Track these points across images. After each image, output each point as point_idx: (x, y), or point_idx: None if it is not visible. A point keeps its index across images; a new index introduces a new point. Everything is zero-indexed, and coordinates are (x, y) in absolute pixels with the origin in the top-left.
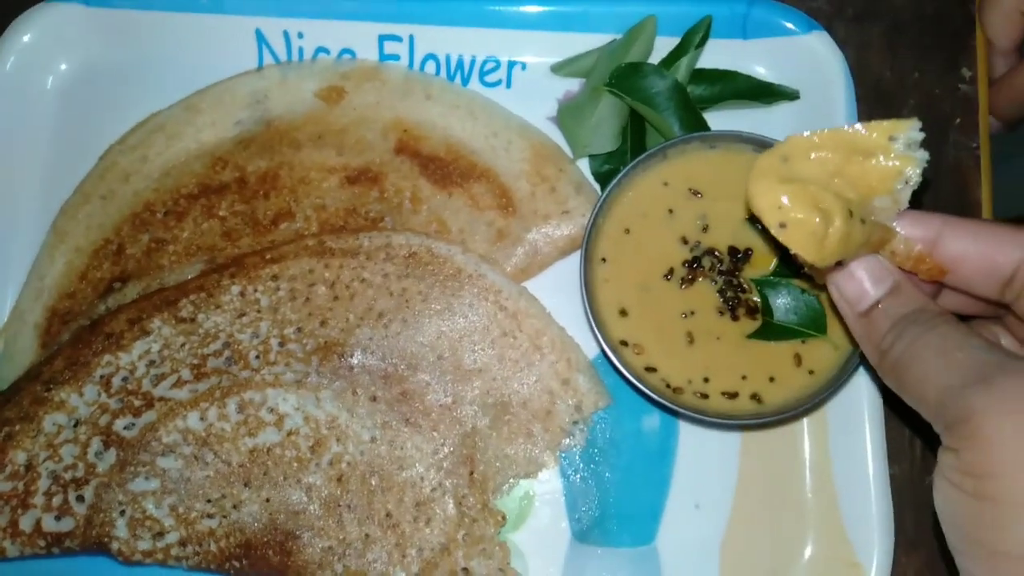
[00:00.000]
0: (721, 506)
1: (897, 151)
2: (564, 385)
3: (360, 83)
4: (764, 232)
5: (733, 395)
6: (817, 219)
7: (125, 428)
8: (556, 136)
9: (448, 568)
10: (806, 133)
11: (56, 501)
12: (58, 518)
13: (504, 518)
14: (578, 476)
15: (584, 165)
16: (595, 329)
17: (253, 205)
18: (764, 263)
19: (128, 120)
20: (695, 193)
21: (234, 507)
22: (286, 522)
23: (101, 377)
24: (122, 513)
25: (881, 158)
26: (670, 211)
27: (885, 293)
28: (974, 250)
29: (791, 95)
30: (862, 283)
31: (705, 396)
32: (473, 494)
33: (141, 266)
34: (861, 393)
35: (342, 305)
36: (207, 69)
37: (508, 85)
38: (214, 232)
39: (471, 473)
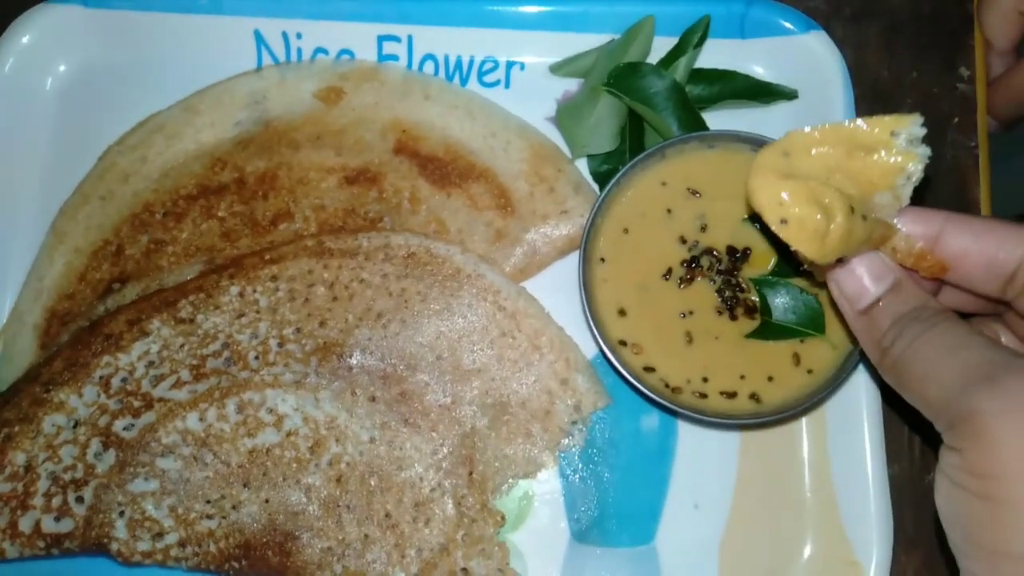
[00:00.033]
0: (720, 506)
1: (899, 147)
2: (563, 385)
3: (359, 83)
4: (763, 231)
5: (732, 395)
6: (818, 215)
7: (124, 429)
8: (555, 136)
9: (447, 568)
10: (807, 128)
11: (55, 502)
12: (57, 519)
13: (503, 518)
14: (577, 476)
15: (583, 165)
16: (594, 329)
17: (252, 206)
18: (762, 263)
19: (127, 121)
20: (693, 193)
21: (233, 508)
22: (285, 523)
23: (100, 378)
24: (121, 514)
25: (883, 154)
26: (668, 211)
27: (886, 290)
28: (975, 247)
29: (789, 95)
30: (862, 280)
31: (704, 396)
32: (472, 494)
33: (140, 267)
34: (860, 392)
35: (341, 305)
36: (206, 70)
37: (507, 85)
38: (213, 233)
39: (470, 473)
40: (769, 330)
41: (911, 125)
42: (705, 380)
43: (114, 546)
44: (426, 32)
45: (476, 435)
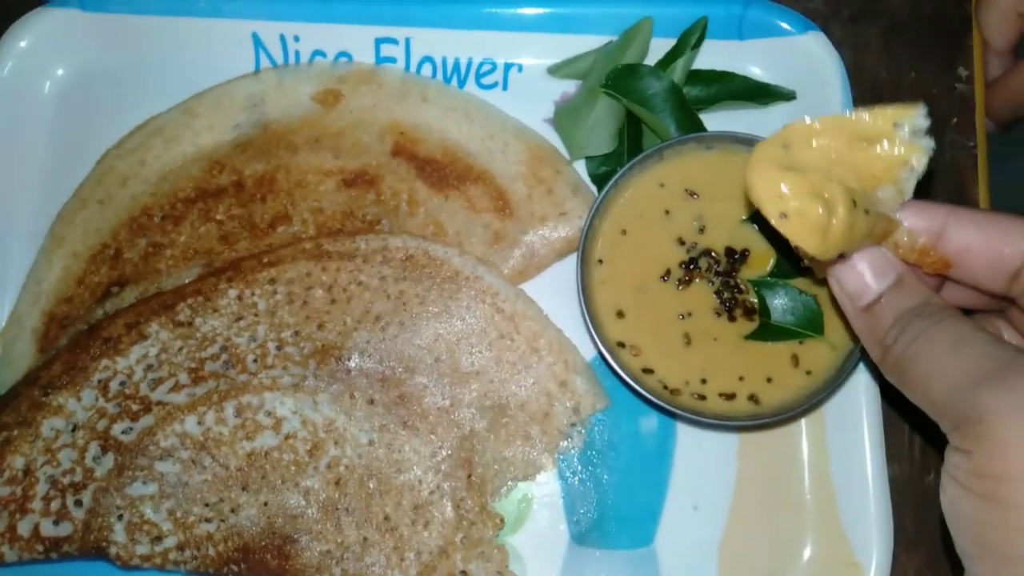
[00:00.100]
0: (719, 507)
1: (902, 138)
2: (562, 387)
3: (356, 86)
4: (762, 232)
5: (731, 396)
6: (819, 209)
7: (123, 432)
8: (553, 138)
9: (446, 571)
10: (807, 119)
11: (54, 506)
12: (56, 523)
13: (502, 521)
14: (576, 478)
15: (581, 167)
16: (592, 331)
17: (250, 209)
18: (761, 264)
19: (126, 124)
20: (692, 194)
21: (232, 511)
22: (284, 526)
23: (99, 382)
24: (120, 518)
25: (885, 145)
26: (667, 212)
27: (888, 287)
28: (980, 242)
29: (787, 96)
30: (864, 276)
31: (703, 397)
32: (471, 497)
33: (139, 270)
34: (859, 392)
35: (339, 308)
36: (204, 73)
37: (505, 87)
38: (211, 236)
39: (469, 476)
40: (768, 331)
41: (914, 116)
42: (704, 382)
43: (113, 550)
44: (424, 34)
45: (475, 437)
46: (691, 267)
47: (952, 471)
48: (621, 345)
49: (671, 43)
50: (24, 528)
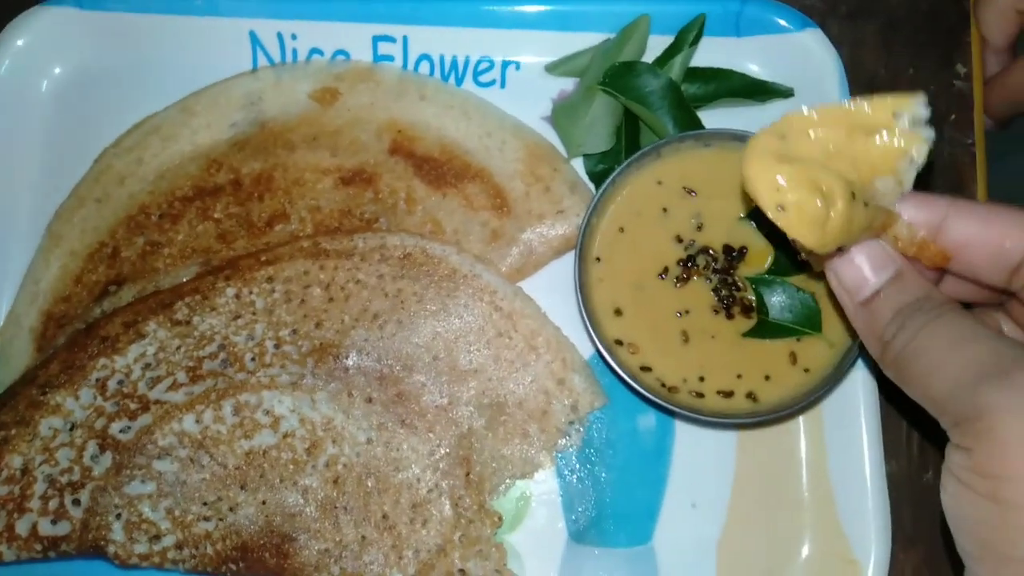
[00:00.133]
0: (718, 505)
1: (902, 129)
2: (560, 385)
3: (354, 84)
4: (759, 229)
5: (728, 394)
6: (817, 201)
7: (121, 431)
8: (550, 136)
9: (445, 569)
10: (805, 110)
11: (52, 505)
12: (54, 522)
13: (500, 519)
14: (574, 476)
15: (579, 165)
16: (590, 329)
17: (248, 207)
18: (759, 261)
19: (123, 123)
20: (689, 192)
21: (230, 510)
22: (282, 524)
23: (96, 380)
24: (118, 516)
25: (884, 136)
26: (664, 210)
27: (887, 281)
28: (981, 235)
29: (785, 93)
30: (862, 270)
31: (700, 395)
32: (469, 495)
33: (136, 269)
34: (857, 389)
35: (337, 307)
36: (201, 71)
37: (502, 85)
38: (209, 234)
39: (467, 474)
40: (766, 329)
41: (914, 105)
42: (702, 379)
43: (111, 548)
44: (421, 32)
45: (473, 436)
46: (689, 265)
47: (952, 469)
48: (619, 343)
49: (669, 40)
50: (22, 527)
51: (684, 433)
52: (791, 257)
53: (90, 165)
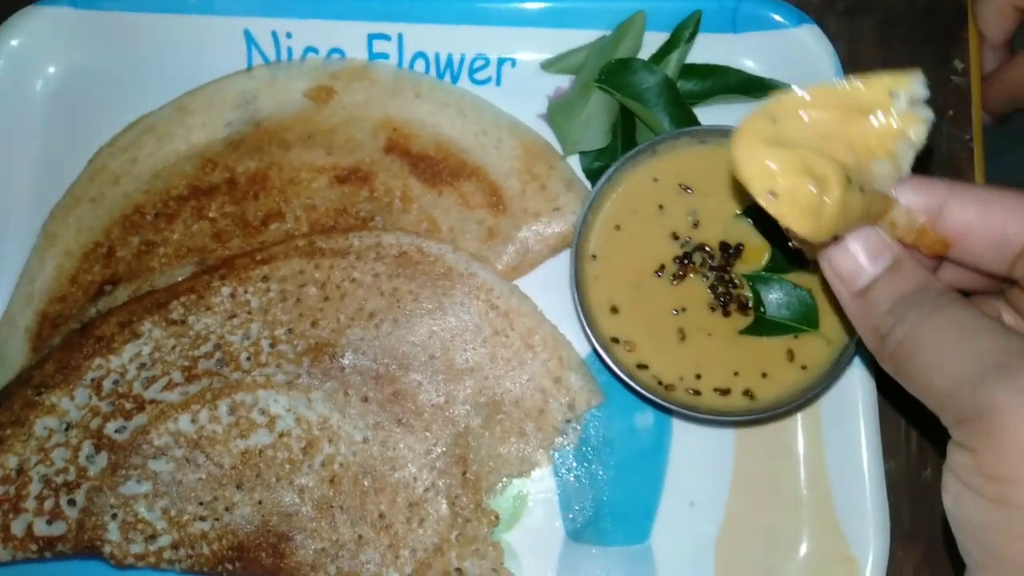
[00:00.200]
0: (715, 503)
1: (899, 108)
2: (556, 383)
3: (349, 82)
4: (756, 226)
5: (725, 391)
6: (811, 187)
7: (116, 431)
8: (546, 133)
9: (441, 568)
10: (797, 90)
11: (48, 505)
12: (50, 522)
13: (497, 518)
14: (571, 475)
15: (575, 162)
16: (586, 326)
17: (243, 206)
18: (756, 258)
19: (118, 122)
20: (685, 189)
21: (226, 509)
22: (279, 524)
23: (92, 380)
24: (114, 516)
25: (881, 117)
26: (660, 207)
27: (884, 269)
28: (982, 221)
29: (782, 89)
30: (857, 258)
31: (697, 393)
32: (466, 494)
33: (131, 269)
34: (855, 386)
35: (333, 305)
36: (196, 70)
37: (498, 83)
38: (204, 234)
39: (464, 473)
40: (762, 326)
41: (912, 84)
42: (698, 377)
43: (107, 548)
44: (417, 30)
45: (470, 434)
46: (685, 262)
47: (955, 469)
48: (615, 341)
49: (665, 37)
50: (18, 527)
51: (681, 431)
52: (787, 253)
53: (85, 164)
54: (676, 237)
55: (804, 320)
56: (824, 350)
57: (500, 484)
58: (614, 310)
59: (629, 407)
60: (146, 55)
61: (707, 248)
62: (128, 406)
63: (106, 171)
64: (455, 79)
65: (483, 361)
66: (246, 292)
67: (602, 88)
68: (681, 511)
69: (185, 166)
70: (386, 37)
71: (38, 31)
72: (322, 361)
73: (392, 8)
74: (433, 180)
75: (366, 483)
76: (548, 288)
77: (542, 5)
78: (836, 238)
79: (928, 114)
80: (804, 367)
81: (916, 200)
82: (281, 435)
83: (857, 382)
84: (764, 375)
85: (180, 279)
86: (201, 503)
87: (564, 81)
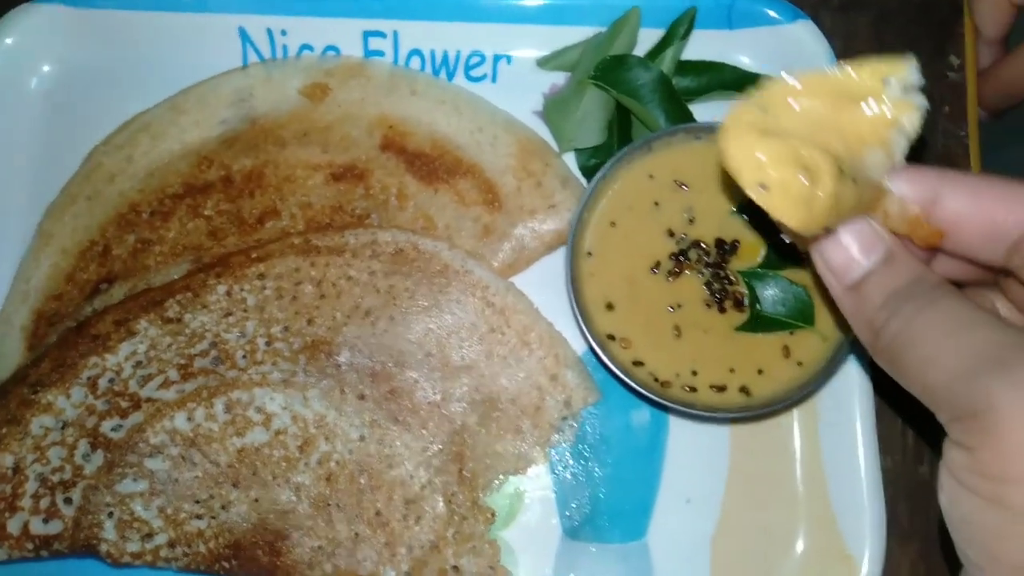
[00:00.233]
0: (712, 500)
1: (891, 96)
2: (553, 381)
3: (345, 80)
4: (751, 221)
5: (721, 388)
6: (802, 179)
7: (112, 430)
8: (542, 130)
9: (438, 566)
10: (787, 78)
11: (44, 504)
12: (46, 521)
13: (494, 515)
14: (568, 472)
15: (571, 159)
16: (582, 324)
17: (239, 204)
18: (751, 255)
19: (113, 120)
20: (681, 185)
21: (223, 507)
22: (275, 522)
23: (88, 379)
24: (110, 515)
25: (873, 104)
26: (656, 204)
27: (877, 262)
28: (977, 210)
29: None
30: (850, 251)
31: (693, 389)
32: (463, 491)
33: (127, 267)
34: (851, 383)
35: (328, 303)
36: (191, 68)
37: (493, 80)
38: (200, 232)
39: (460, 470)
40: (758, 322)
41: (904, 70)
42: (694, 374)
43: (103, 547)
44: (412, 27)
45: (466, 432)
46: (681, 259)
47: (951, 468)
48: (611, 338)
49: (660, 33)
50: (14, 526)
51: (678, 428)
52: (783, 249)
53: (80, 163)
54: (672, 234)
55: (800, 316)
56: (820, 346)
57: (496, 481)
58: (610, 307)
59: (625, 404)
60: (141, 53)
61: (703, 245)
62: (124, 404)
63: (101, 169)
64: (451, 76)
65: (479, 358)
66: (242, 290)
67: (598, 85)
68: (677, 508)
69: (180, 164)
70: (381, 34)
71: (33, 29)
72: (318, 359)
73: (387, 5)
74: (429, 177)
75: (362, 481)
76: (544, 285)
77: (538, 2)
78: (828, 230)
79: (922, 101)
80: (800, 363)
81: (909, 190)
82: (277, 433)
83: (853, 378)
84: (760, 372)
85: (176, 277)
86: (197, 501)
87: (560, 78)
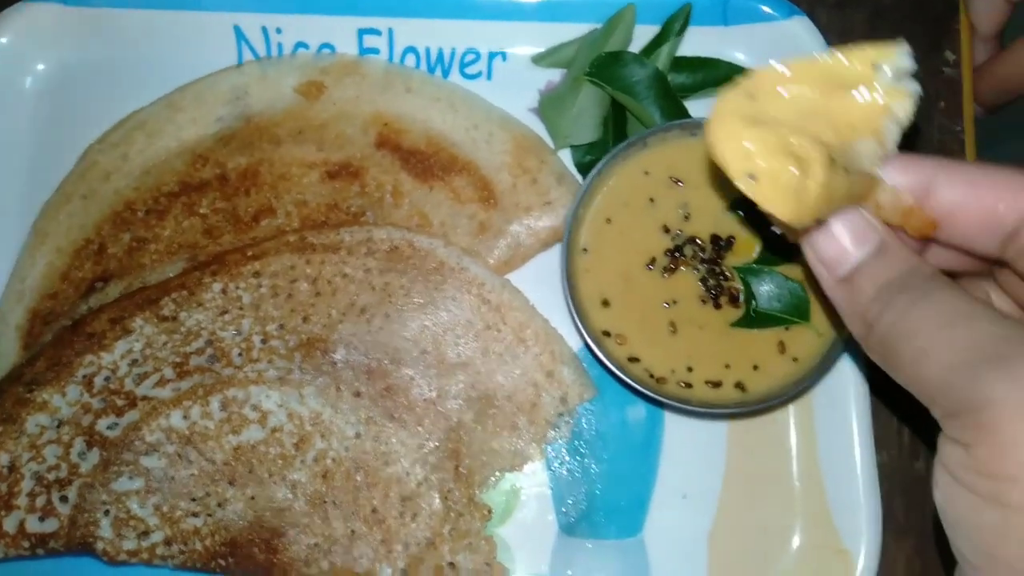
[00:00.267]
0: (708, 496)
1: (883, 82)
2: (549, 377)
3: (340, 77)
4: (746, 218)
5: (717, 384)
6: (792, 169)
7: (108, 428)
8: (537, 127)
9: (434, 563)
10: (776, 65)
11: (40, 502)
12: (42, 519)
13: (490, 512)
14: (564, 469)
15: (566, 156)
16: (577, 320)
17: (234, 202)
18: (747, 251)
19: (108, 119)
20: (676, 181)
21: (219, 505)
22: (271, 519)
23: (83, 377)
24: (106, 513)
25: (864, 91)
26: (651, 200)
27: (869, 254)
28: (971, 199)
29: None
30: (841, 242)
31: (689, 385)
32: (459, 488)
33: (123, 265)
34: (847, 378)
35: (324, 301)
36: (187, 66)
37: (489, 77)
38: (195, 230)
39: (456, 467)
40: (754, 318)
41: (896, 56)
42: (690, 370)
43: (99, 545)
44: (407, 24)
45: (462, 429)
46: (676, 255)
47: (947, 464)
48: (607, 334)
49: (655, 30)
50: (10, 525)
51: (674, 424)
52: (778, 245)
53: (75, 161)
54: (667, 230)
55: (795, 312)
56: (815, 342)
57: (493, 478)
58: (605, 303)
59: (621, 400)
60: (136, 51)
61: (698, 241)
62: (120, 403)
63: (97, 168)
64: (446, 74)
65: (475, 355)
66: (237, 288)
67: (593, 82)
68: (674, 504)
69: (176, 162)
70: (376, 32)
71: (27, 28)
72: (314, 356)
73: (382, 3)
74: (424, 175)
75: (359, 478)
76: (539, 282)
77: None
78: (819, 221)
79: (914, 87)
80: (795, 359)
81: (902, 179)
82: (273, 431)
83: (849, 374)
84: (755, 367)
85: (171, 275)
86: (193, 499)
87: (555, 75)
